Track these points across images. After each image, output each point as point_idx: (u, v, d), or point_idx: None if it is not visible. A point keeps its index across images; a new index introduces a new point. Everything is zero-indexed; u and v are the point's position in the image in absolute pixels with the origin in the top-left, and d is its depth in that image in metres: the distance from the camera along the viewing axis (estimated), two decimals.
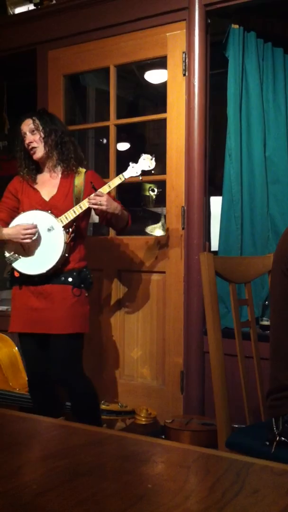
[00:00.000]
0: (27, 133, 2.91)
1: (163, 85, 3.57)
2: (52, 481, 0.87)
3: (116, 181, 2.86)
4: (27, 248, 2.82)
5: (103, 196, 2.76)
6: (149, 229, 3.74)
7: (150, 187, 4.52)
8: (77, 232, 2.86)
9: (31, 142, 2.90)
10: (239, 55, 3.31)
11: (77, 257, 2.87)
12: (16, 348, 3.51)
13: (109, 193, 2.85)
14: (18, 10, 4.10)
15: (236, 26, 3.31)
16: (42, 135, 2.89)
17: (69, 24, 3.75)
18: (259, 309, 3.33)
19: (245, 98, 3.35)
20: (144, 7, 3.46)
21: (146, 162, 2.89)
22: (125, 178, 2.86)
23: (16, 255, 2.85)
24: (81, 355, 2.89)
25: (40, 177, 2.98)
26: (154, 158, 2.90)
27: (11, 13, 4.13)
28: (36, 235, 2.79)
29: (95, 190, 2.80)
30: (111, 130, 3.65)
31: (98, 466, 0.95)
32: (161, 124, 3.58)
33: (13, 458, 0.97)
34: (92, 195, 2.77)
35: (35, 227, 2.78)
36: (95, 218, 3.57)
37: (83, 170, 2.95)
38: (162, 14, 3.41)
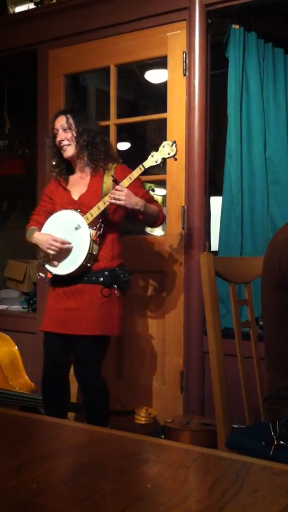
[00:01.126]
0: (60, 130, 2.88)
1: (164, 85, 3.57)
2: (52, 481, 0.87)
3: (135, 173, 2.73)
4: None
5: (123, 191, 2.67)
6: (149, 229, 3.75)
7: (150, 186, 4.52)
8: (106, 228, 2.81)
9: (62, 140, 2.87)
10: (240, 56, 3.31)
11: (109, 255, 2.82)
12: (16, 347, 3.51)
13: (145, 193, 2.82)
14: (19, 9, 4.10)
15: (237, 26, 3.32)
16: (75, 134, 2.86)
17: (70, 24, 3.75)
18: (259, 309, 3.31)
19: (246, 99, 3.35)
20: (144, 7, 3.46)
21: (166, 149, 2.73)
22: (144, 168, 2.73)
23: (48, 256, 2.84)
24: (104, 356, 2.86)
25: (72, 178, 2.96)
26: (175, 144, 2.72)
27: (12, 12, 4.12)
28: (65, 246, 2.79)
29: (117, 183, 2.72)
30: (111, 129, 3.65)
31: (98, 466, 0.95)
32: (162, 124, 3.59)
33: (13, 457, 0.97)
34: (112, 190, 2.71)
35: (64, 243, 2.77)
36: None
37: (113, 165, 2.89)
38: (163, 14, 3.41)
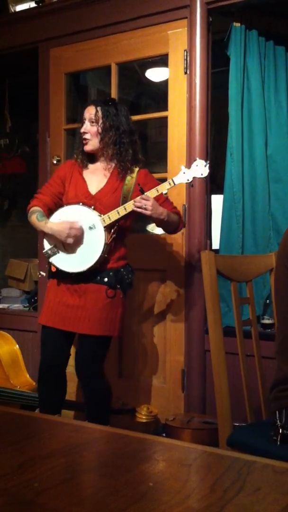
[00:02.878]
0: (87, 120, 2.80)
1: (165, 83, 3.57)
2: (53, 479, 0.87)
3: (165, 186, 2.69)
4: (67, 244, 2.74)
5: (149, 201, 2.62)
6: (150, 227, 3.74)
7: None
8: (119, 232, 2.77)
9: (85, 133, 2.79)
10: (241, 54, 3.31)
11: (116, 256, 2.79)
12: (17, 345, 3.52)
13: (161, 196, 2.76)
14: (19, 8, 4.10)
15: (238, 25, 3.31)
16: (100, 129, 2.77)
17: (71, 22, 3.75)
18: (261, 307, 3.33)
19: (247, 97, 3.35)
20: (145, 5, 3.45)
21: (199, 168, 2.67)
22: (175, 184, 2.69)
23: (56, 249, 2.76)
24: (105, 355, 2.85)
25: (92, 166, 2.87)
26: (208, 165, 2.68)
27: (12, 11, 4.12)
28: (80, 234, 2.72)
29: (142, 193, 2.66)
30: None
31: (100, 464, 0.95)
32: (163, 122, 3.58)
33: (15, 456, 0.97)
34: (138, 198, 2.64)
35: (81, 228, 2.70)
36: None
37: (136, 168, 2.82)
38: (164, 12, 3.40)
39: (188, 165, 2.77)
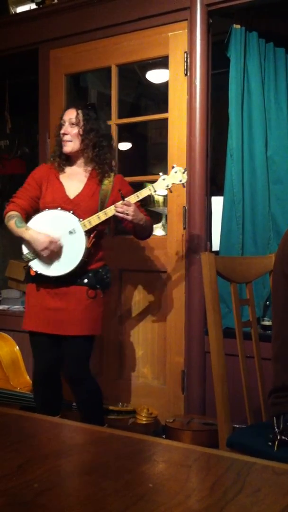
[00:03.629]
0: (66, 123, 2.84)
1: (165, 85, 3.57)
2: (53, 480, 0.87)
3: (145, 192, 2.76)
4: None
5: (131, 206, 2.69)
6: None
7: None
8: (97, 237, 2.82)
9: (65, 134, 2.83)
10: (241, 55, 3.31)
11: (93, 258, 2.82)
12: (17, 347, 3.51)
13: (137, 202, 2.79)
14: (20, 9, 4.10)
15: (238, 26, 3.31)
16: (81, 131, 2.82)
17: (71, 24, 3.75)
18: (260, 309, 3.33)
19: (247, 98, 3.35)
20: (146, 7, 3.46)
21: (178, 175, 2.77)
22: (155, 190, 2.76)
23: (35, 254, 2.78)
24: (90, 355, 2.88)
25: (69, 170, 2.91)
26: (186, 172, 2.79)
27: (13, 12, 4.13)
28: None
29: (123, 199, 2.70)
30: (112, 129, 3.65)
31: (99, 465, 0.95)
32: (163, 124, 3.59)
33: (14, 457, 0.97)
34: (119, 203, 2.69)
35: (60, 245, 2.74)
36: None
37: (111, 173, 2.88)
38: (164, 14, 3.41)
39: (183, 168, 2.82)
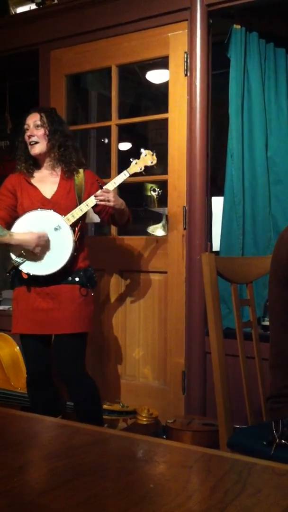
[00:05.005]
0: (31, 126, 2.89)
1: (165, 85, 3.57)
2: (54, 481, 0.87)
3: (120, 178, 2.87)
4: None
5: (110, 193, 2.77)
6: (150, 229, 3.74)
7: (151, 187, 4.52)
8: (81, 230, 2.87)
9: (32, 136, 2.88)
10: (241, 56, 3.31)
11: (81, 256, 2.87)
12: (18, 347, 3.51)
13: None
14: (20, 9, 4.10)
15: (238, 27, 3.31)
16: (47, 132, 2.88)
17: (71, 24, 3.75)
18: (261, 309, 3.33)
19: (247, 99, 3.35)
20: (146, 7, 3.46)
21: (148, 158, 2.91)
22: (129, 174, 2.88)
23: (23, 257, 2.80)
24: (85, 354, 2.89)
25: (38, 174, 2.95)
26: (155, 154, 2.91)
27: (13, 12, 4.13)
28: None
29: (101, 187, 2.81)
30: (113, 130, 3.65)
31: (100, 466, 0.95)
32: (163, 124, 3.59)
33: (15, 458, 0.97)
34: (99, 192, 2.78)
35: (48, 238, 2.78)
36: (94, 218, 3.56)
37: (81, 169, 2.94)
38: (164, 14, 3.41)
39: (151, 151, 2.94)
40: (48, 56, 3.90)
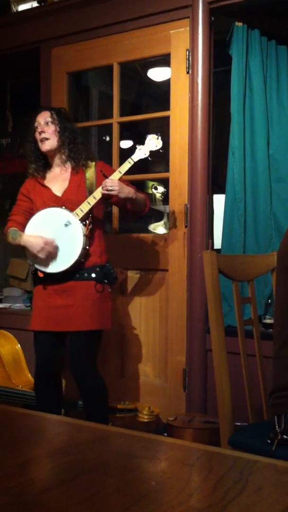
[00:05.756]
0: (42, 123, 2.91)
1: (167, 83, 3.57)
2: (55, 479, 0.87)
3: (125, 166, 2.85)
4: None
5: (115, 182, 2.76)
6: (152, 227, 3.74)
7: (153, 185, 4.52)
8: (94, 224, 2.86)
9: (43, 132, 2.89)
10: (243, 53, 3.30)
11: (98, 251, 2.87)
12: (19, 345, 3.51)
13: (120, 179, 2.86)
14: (22, 7, 4.10)
15: (240, 24, 3.31)
16: (58, 129, 2.90)
17: (73, 22, 3.75)
18: (262, 307, 3.32)
19: (249, 96, 3.34)
20: (147, 5, 3.45)
21: (153, 142, 2.87)
22: (134, 162, 2.85)
23: (36, 257, 2.83)
24: (98, 351, 2.89)
25: (50, 174, 2.98)
26: (160, 137, 2.87)
27: (15, 10, 4.12)
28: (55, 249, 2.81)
29: (106, 177, 2.80)
30: (114, 127, 3.65)
31: (102, 464, 0.95)
32: (164, 122, 3.58)
33: (16, 455, 0.97)
34: (103, 182, 2.77)
35: (55, 245, 2.79)
36: None
37: (92, 163, 2.95)
38: (166, 12, 3.40)
39: (156, 135, 2.90)
40: (49, 54, 3.89)
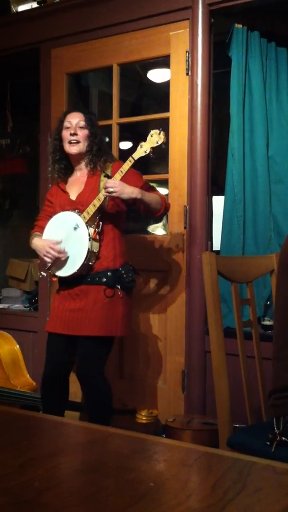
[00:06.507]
0: (74, 125, 2.87)
1: (166, 84, 3.57)
2: (54, 479, 0.88)
3: (126, 165, 2.76)
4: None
5: (114, 182, 2.68)
6: (151, 228, 3.75)
7: (152, 186, 4.51)
8: (106, 227, 2.81)
9: (76, 134, 2.86)
10: (243, 55, 3.31)
11: (111, 255, 2.81)
12: (18, 346, 3.51)
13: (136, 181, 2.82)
14: (21, 8, 4.10)
15: (240, 26, 3.31)
16: (89, 134, 2.88)
17: (73, 23, 3.75)
18: (261, 308, 3.33)
19: (248, 98, 3.35)
20: (147, 6, 3.45)
21: (154, 137, 2.73)
22: (134, 160, 2.74)
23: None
24: (107, 356, 2.86)
25: (70, 179, 2.98)
26: (162, 132, 2.73)
27: (14, 11, 4.13)
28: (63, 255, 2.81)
29: (109, 177, 2.76)
30: (114, 129, 3.65)
31: (101, 464, 0.95)
32: (164, 123, 3.58)
33: (16, 456, 0.97)
34: (104, 184, 2.72)
35: (61, 253, 2.79)
36: None
37: (110, 164, 2.92)
38: (166, 13, 3.41)
39: (158, 130, 2.77)
40: (49, 55, 3.89)
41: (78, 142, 2.87)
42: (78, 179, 2.94)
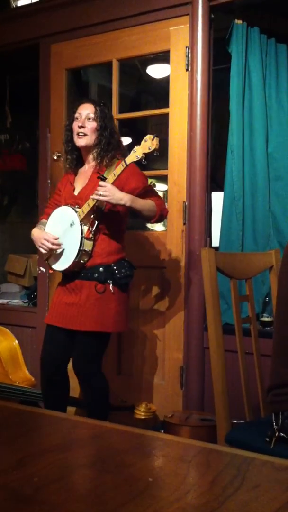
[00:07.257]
0: (83, 116, 2.83)
1: (166, 80, 3.56)
2: (53, 475, 0.87)
3: (119, 170, 2.69)
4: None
5: (105, 186, 2.62)
6: (150, 224, 3.73)
7: (151, 182, 4.51)
8: (102, 225, 2.78)
9: (83, 127, 2.81)
10: (242, 51, 3.30)
11: (105, 251, 2.78)
12: (16, 341, 3.51)
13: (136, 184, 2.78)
14: (21, 3, 4.09)
15: (240, 22, 3.30)
16: (98, 127, 2.82)
17: (72, 18, 3.74)
18: (260, 305, 3.33)
19: (248, 94, 3.34)
20: (147, 1, 3.45)
21: (148, 143, 2.61)
22: (127, 165, 2.66)
23: (46, 252, 2.88)
24: (102, 352, 2.86)
25: (80, 170, 2.96)
26: (156, 138, 2.61)
27: (14, 6, 4.11)
28: (60, 248, 2.83)
29: (103, 180, 2.67)
30: None
31: (99, 460, 0.95)
32: (163, 119, 3.58)
33: (14, 451, 0.97)
34: (97, 187, 2.67)
35: (54, 244, 2.81)
36: None
37: (116, 161, 2.84)
38: (166, 9, 3.40)
39: (153, 135, 2.67)
40: (48, 50, 3.88)
41: (85, 134, 2.82)
42: (86, 172, 2.92)
